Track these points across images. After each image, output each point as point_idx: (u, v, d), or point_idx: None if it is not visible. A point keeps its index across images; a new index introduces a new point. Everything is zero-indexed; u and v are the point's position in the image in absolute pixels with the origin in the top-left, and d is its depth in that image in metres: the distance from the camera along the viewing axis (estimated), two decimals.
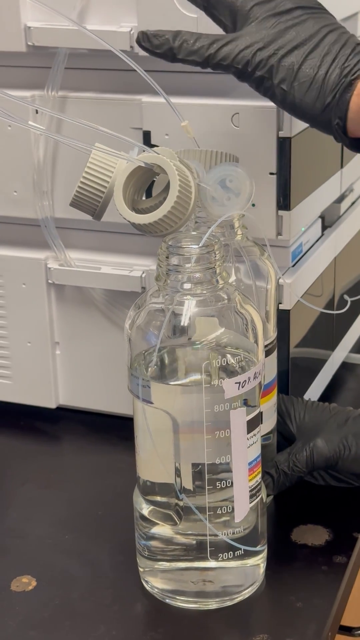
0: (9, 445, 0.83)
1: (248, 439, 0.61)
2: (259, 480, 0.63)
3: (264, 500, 0.65)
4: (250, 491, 0.62)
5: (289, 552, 0.69)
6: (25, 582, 0.67)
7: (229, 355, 0.60)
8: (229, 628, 0.63)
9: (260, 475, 0.63)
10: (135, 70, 0.68)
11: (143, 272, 0.79)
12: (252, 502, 0.63)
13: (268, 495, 0.72)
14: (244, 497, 0.62)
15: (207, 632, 0.62)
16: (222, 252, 0.61)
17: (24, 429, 0.85)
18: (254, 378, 0.61)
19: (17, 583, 0.66)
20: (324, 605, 0.63)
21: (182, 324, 0.60)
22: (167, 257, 0.60)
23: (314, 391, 0.85)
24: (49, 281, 0.82)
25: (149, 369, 0.60)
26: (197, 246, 0.60)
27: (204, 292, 0.60)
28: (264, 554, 0.65)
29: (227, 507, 0.62)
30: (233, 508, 0.62)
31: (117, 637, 0.62)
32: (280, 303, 0.76)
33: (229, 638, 0.62)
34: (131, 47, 0.73)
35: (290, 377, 0.79)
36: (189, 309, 0.60)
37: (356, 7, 0.83)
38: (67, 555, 0.69)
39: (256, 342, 0.62)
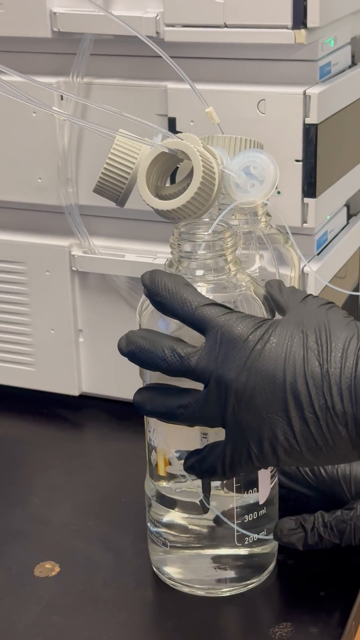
0: (32, 432, 0.84)
1: None
2: None
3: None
4: (271, 471, 0.63)
5: None
6: (49, 568, 0.67)
7: None
8: (253, 616, 0.62)
9: None
10: (160, 57, 0.68)
11: (167, 260, 0.78)
12: (272, 482, 0.63)
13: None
14: (266, 478, 0.62)
15: (231, 620, 0.62)
16: (234, 239, 0.60)
17: (47, 416, 0.85)
18: None
19: (41, 569, 0.67)
20: (347, 594, 0.63)
21: None
22: (179, 244, 0.60)
23: None
24: (73, 268, 0.82)
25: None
26: (207, 233, 0.60)
27: (216, 279, 0.60)
28: (276, 542, 0.65)
29: (243, 493, 0.62)
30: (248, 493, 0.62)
31: (140, 624, 0.62)
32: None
33: (253, 626, 0.62)
34: (157, 32, 0.72)
35: None
36: None
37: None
38: (90, 542, 0.69)
39: None
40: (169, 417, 0.58)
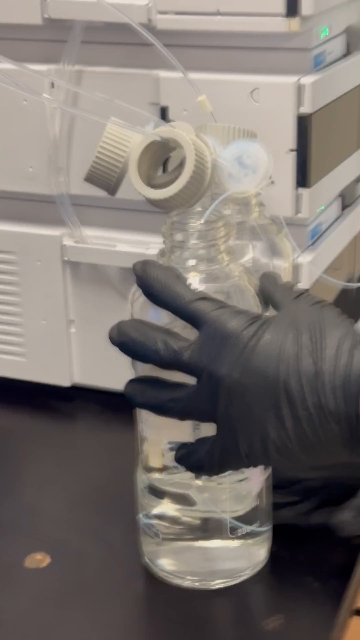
0: (23, 423, 0.83)
1: None
2: None
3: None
4: None
5: (305, 533, 0.68)
6: (39, 559, 0.67)
7: None
8: (245, 608, 0.62)
9: None
10: (153, 45, 0.67)
11: (159, 250, 0.78)
12: (265, 474, 0.63)
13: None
14: (259, 469, 0.62)
15: (223, 612, 0.62)
16: (227, 229, 0.60)
17: (38, 407, 0.85)
18: None
19: (31, 560, 0.66)
20: (339, 585, 0.63)
21: None
22: (172, 234, 0.60)
23: None
24: (64, 258, 0.81)
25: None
26: (199, 222, 0.59)
27: (208, 269, 0.59)
28: (269, 534, 0.65)
29: (235, 485, 0.62)
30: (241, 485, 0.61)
31: (131, 615, 0.62)
32: (298, 282, 0.75)
33: (245, 618, 0.62)
34: (149, 20, 0.72)
35: None
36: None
37: None
38: (81, 533, 0.69)
39: None
40: (159, 410, 0.57)
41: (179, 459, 0.58)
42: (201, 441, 0.57)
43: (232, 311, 0.56)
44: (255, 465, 0.57)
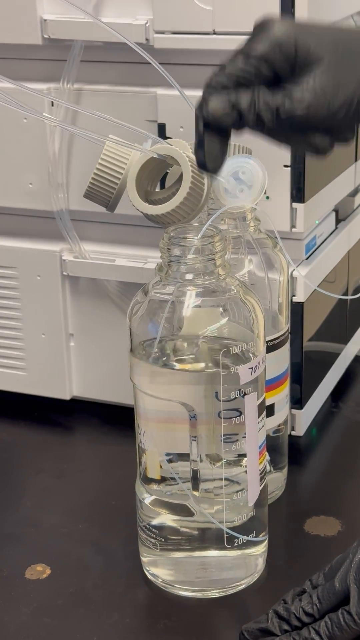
0: (23, 436, 0.84)
1: (258, 423, 0.62)
2: (265, 465, 0.64)
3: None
4: (260, 474, 0.63)
5: (302, 543, 0.69)
6: (40, 570, 0.67)
7: (233, 346, 0.60)
8: (243, 617, 0.63)
9: (265, 459, 0.64)
10: (150, 63, 0.68)
11: (157, 264, 0.79)
12: (261, 485, 0.63)
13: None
14: (255, 480, 0.62)
15: (221, 621, 0.63)
16: (223, 243, 0.61)
17: (38, 420, 0.86)
18: (262, 362, 0.62)
19: (32, 571, 0.67)
20: None
21: (182, 314, 0.61)
22: (169, 248, 0.61)
23: (327, 384, 0.86)
24: (64, 273, 0.82)
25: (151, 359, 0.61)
26: (197, 237, 0.60)
27: (205, 283, 0.60)
28: (266, 544, 0.66)
29: (232, 495, 0.62)
30: (238, 495, 0.62)
31: (131, 625, 0.62)
32: (294, 296, 0.76)
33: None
34: (146, 39, 0.73)
35: (304, 370, 0.79)
36: (190, 300, 0.60)
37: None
38: (81, 544, 0.70)
39: (258, 333, 0.62)
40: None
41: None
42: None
43: None
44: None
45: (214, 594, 0.64)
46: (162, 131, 0.75)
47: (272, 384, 0.71)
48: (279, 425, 0.73)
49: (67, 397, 0.86)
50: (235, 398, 0.60)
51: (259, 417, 0.62)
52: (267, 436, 0.68)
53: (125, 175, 0.65)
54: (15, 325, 0.85)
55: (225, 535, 0.63)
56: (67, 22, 0.75)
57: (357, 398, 0.77)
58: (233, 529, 0.63)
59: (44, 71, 0.79)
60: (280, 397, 0.72)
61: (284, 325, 0.72)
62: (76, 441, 0.84)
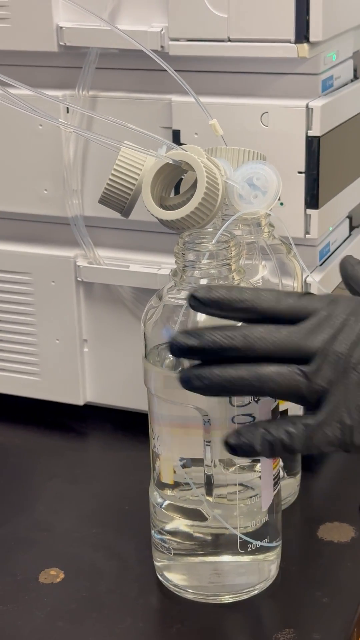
0: (37, 441, 0.84)
1: None
2: (279, 470, 0.64)
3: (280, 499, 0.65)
4: (274, 479, 0.63)
5: (316, 549, 0.69)
6: (53, 575, 0.67)
7: None
8: (256, 622, 0.63)
9: (278, 465, 0.64)
10: (165, 70, 0.69)
11: (171, 269, 0.79)
12: (275, 490, 0.63)
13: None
14: (269, 485, 0.62)
15: (234, 626, 0.63)
16: (238, 248, 0.61)
17: (51, 425, 0.86)
18: None
19: (45, 575, 0.67)
20: (350, 600, 0.63)
21: (197, 319, 0.61)
22: (184, 254, 0.61)
23: None
24: (78, 279, 0.82)
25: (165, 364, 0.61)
26: (212, 242, 0.60)
27: None
28: (279, 550, 0.66)
29: (245, 500, 0.62)
30: (251, 500, 0.62)
31: (144, 630, 0.62)
32: None
33: (256, 632, 0.63)
34: (162, 46, 0.74)
35: None
36: None
37: None
38: (94, 549, 0.70)
39: None
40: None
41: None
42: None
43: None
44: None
45: (227, 599, 0.64)
46: (176, 138, 0.75)
47: None
48: None
49: (81, 402, 0.86)
50: (249, 403, 0.60)
51: None
52: None
53: (140, 180, 0.66)
54: (30, 330, 0.86)
55: (238, 541, 0.63)
56: (83, 29, 0.76)
57: None
58: (246, 534, 0.63)
59: (59, 78, 0.79)
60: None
61: None
62: (89, 447, 0.84)
